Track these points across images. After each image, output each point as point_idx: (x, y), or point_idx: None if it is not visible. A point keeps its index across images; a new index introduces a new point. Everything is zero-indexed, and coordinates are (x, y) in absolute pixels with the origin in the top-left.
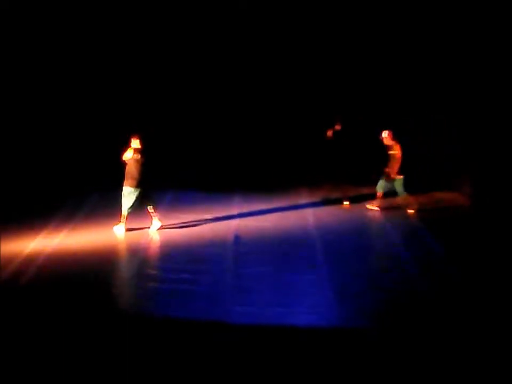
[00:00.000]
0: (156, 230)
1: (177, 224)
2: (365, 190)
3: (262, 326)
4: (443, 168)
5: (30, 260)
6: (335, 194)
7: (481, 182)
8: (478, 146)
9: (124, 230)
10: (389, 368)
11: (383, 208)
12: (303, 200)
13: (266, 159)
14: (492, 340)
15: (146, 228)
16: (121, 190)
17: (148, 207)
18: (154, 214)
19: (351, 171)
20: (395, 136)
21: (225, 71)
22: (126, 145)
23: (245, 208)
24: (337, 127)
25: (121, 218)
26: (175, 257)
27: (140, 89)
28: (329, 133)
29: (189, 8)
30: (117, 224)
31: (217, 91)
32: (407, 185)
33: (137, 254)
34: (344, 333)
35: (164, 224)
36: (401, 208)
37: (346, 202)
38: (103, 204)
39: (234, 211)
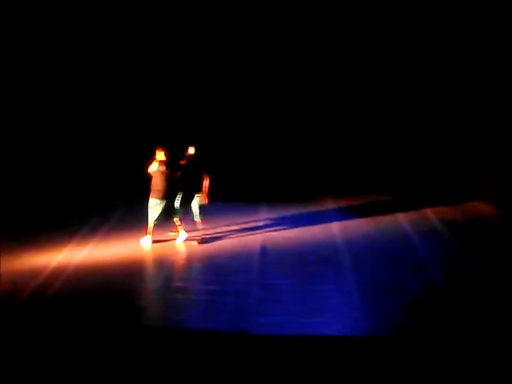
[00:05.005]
0: (182, 242)
1: (203, 236)
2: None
3: (287, 335)
4: (466, 176)
5: (57, 273)
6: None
7: (506, 189)
8: (501, 154)
9: (150, 242)
10: (413, 376)
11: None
12: (327, 209)
13: (290, 169)
14: None
15: (172, 240)
16: (147, 202)
17: (174, 219)
18: (181, 226)
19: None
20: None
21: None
22: (152, 157)
23: (270, 219)
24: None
25: (147, 230)
26: (201, 269)
27: (163, 102)
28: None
29: (189, 10)
30: (143, 237)
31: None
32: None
33: (164, 266)
34: (369, 341)
35: (190, 236)
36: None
37: None
38: (130, 216)
39: (260, 222)
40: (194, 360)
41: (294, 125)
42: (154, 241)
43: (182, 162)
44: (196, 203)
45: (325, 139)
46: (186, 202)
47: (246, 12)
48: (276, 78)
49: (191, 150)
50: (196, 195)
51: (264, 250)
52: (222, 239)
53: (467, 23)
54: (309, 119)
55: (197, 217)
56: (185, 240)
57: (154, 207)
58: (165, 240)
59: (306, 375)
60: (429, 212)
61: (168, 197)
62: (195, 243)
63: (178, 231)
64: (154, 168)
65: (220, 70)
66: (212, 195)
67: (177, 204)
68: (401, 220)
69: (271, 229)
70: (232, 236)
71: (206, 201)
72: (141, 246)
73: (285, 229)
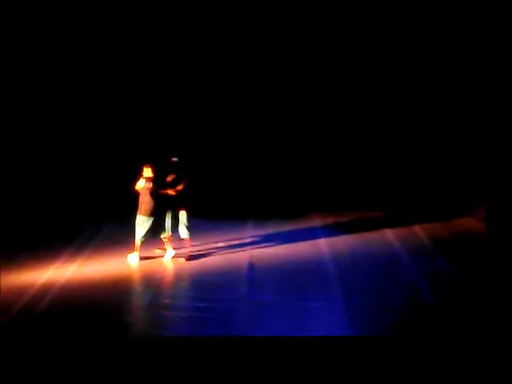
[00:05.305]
0: (170, 259)
1: (191, 252)
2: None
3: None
4: (456, 193)
5: (44, 290)
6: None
7: (496, 206)
8: (492, 169)
9: (137, 259)
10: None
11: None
12: (314, 226)
13: (276, 183)
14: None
15: (160, 257)
16: (135, 219)
17: (162, 236)
18: (168, 243)
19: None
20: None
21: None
22: (139, 174)
23: (258, 236)
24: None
25: (135, 247)
26: (189, 286)
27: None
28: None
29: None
30: (130, 253)
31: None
32: None
33: (151, 283)
34: (367, 341)
35: (177, 253)
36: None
37: None
38: (117, 233)
39: (247, 239)
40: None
41: (289, 127)
42: (141, 258)
43: (169, 178)
44: (182, 221)
45: (324, 139)
46: (174, 219)
47: (246, 12)
48: (274, 79)
49: (174, 160)
50: (181, 212)
51: (252, 267)
52: (210, 255)
53: (467, 23)
54: (306, 119)
55: (184, 235)
56: (173, 257)
57: (142, 224)
58: (152, 257)
59: (302, 376)
60: (417, 228)
61: (155, 214)
62: (182, 260)
63: (165, 248)
64: (141, 184)
65: (218, 71)
66: (198, 211)
67: (167, 221)
68: (389, 236)
69: (258, 245)
70: (219, 252)
71: (174, 193)
72: (128, 263)
73: (272, 246)
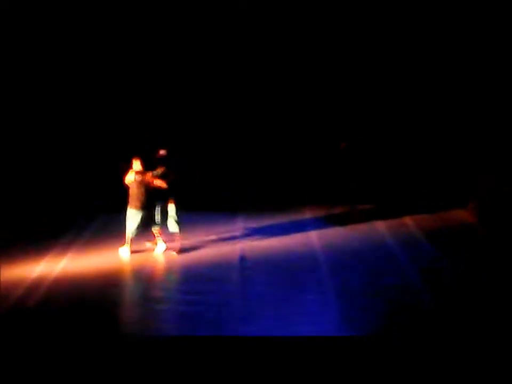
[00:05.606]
0: (161, 252)
1: (182, 246)
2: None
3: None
4: (448, 184)
5: (35, 285)
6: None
7: (487, 198)
8: (483, 162)
9: (129, 252)
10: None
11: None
12: (306, 218)
13: (268, 175)
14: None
15: (151, 250)
16: (125, 213)
17: (153, 229)
18: (159, 236)
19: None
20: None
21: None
22: (128, 166)
23: (249, 228)
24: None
25: (126, 240)
26: (181, 279)
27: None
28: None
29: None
30: (121, 247)
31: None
32: None
33: (143, 276)
34: (367, 341)
35: (169, 246)
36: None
37: None
38: (108, 226)
39: (239, 231)
40: (175, 371)
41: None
42: (132, 252)
43: (158, 171)
44: (170, 214)
45: (318, 133)
46: (162, 212)
47: (246, 11)
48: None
49: (162, 152)
50: (169, 205)
51: (244, 259)
52: (201, 248)
53: (467, 23)
54: (300, 113)
55: (172, 229)
56: (164, 250)
57: (132, 217)
58: (144, 250)
59: (301, 376)
60: (408, 220)
61: (145, 207)
62: (174, 253)
63: (156, 242)
64: (131, 178)
65: (218, 71)
66: (188, 203)
67: (157, 214)
68: (380, 228)
69: (250, 238)
70: (211, 245)
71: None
72: (120, 256)
73: (263, 238)
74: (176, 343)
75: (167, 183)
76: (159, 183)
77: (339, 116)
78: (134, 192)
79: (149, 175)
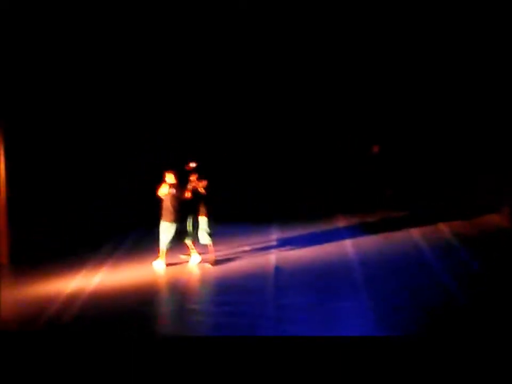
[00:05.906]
0: (195, 264)
1: (216, 257)
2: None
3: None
4: (481, 189)
5: (71, 299)
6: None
7: None
8: None
9: (163, 265)
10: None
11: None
12: (339, 227)
13: (301, 186)
14: None
15: (185, 262)
16: (159, 226)
17: (186, 241)
18: (193, 248)
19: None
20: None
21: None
22: (161, 180)
23: (283, 239)
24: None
25: (160, 253)
26: (216, 290)
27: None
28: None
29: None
30: (156, 260)
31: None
32: None
33: (178, 289)
34: (369, 341)
35: (203, 257)
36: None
37: None
38: (143, 240)
39: (272, 242)
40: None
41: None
42: (167, 264)
43: (191, 186)
44: (202, 226)
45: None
46: (194, 224)
47: (246, 11)
48: (280, 81)
49: (193, 165)
50: (200, 217)
51: (278, 270)
52: (236, 260)
53: (467, 23)
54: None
55: (203, 241)
56: (199, 262)
57: (166, 230)
58: (178, 263)
59: (307, 375)
60: (442, 226)
61: (179, 219)
62: (208, 265)
63: (190, 254)
64: (164, 191)
65: (220, 73)
66: (222, 215)
67: (189, 226)
68: (415, 235)
69: (283, 248)
70: (245, 256)
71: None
72: (154, 269)
73: (298, 248)
74: (210, 344)
75: (202, 193)
76: (201, 190)
77: (369, 121)
78: (168, 205)
79: (193, 187)
